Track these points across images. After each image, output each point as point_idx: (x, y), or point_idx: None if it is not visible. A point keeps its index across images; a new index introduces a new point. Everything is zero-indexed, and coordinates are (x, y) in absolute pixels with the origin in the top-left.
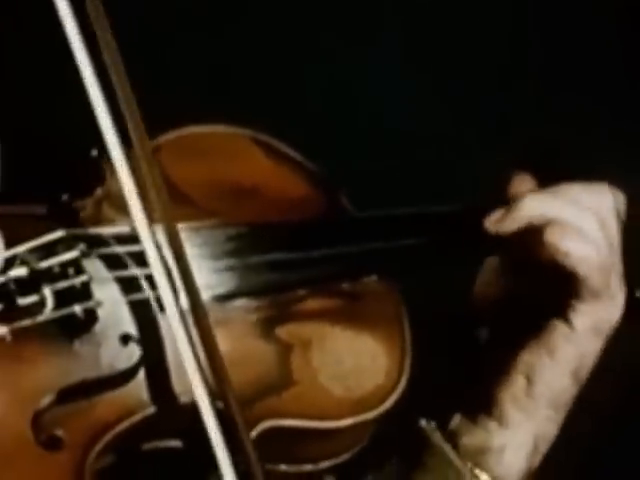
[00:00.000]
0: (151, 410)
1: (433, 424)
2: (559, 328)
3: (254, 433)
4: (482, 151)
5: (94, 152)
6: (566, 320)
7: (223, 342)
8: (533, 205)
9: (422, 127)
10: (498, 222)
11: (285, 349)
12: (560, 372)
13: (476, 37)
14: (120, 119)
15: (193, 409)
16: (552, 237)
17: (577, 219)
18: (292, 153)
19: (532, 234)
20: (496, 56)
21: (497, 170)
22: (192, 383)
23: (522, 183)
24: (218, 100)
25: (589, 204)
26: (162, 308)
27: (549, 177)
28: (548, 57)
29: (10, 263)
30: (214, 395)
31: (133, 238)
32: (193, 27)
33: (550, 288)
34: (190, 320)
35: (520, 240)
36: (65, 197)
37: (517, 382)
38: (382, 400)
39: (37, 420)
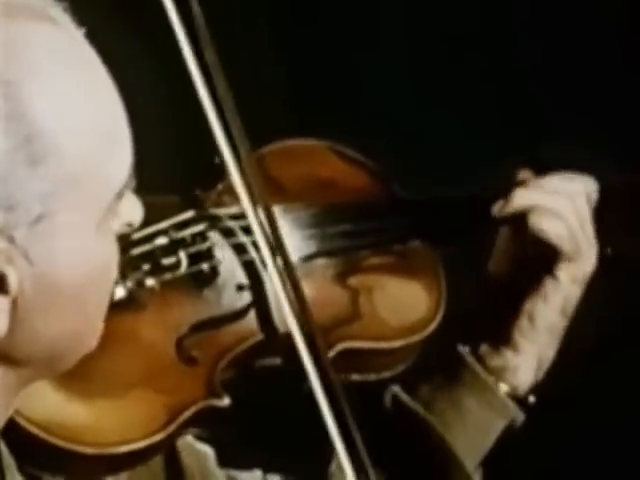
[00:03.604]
0: (259, 337)
1: (467, 349)
2: (548, 282)
3: (334, 351)
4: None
5: (217, 159)
6: (553, 276)
7: (310, 289)
8: (522, 196)
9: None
10: (500, 209)
11: (354, 293)
12: (552, 312)
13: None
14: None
15: (288, 336)
16: (533, 219)
17: (552, 203)
18: (357, 156)
19: (523, 217)
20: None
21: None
22: (287, 318)
23: (524, 174)
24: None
25: (564, 190)
26: (264, 265)
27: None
28: (547, 56)
29: (155, 235)
30: (302, 325)
31: (242, 216)
32: None
33: (540, 254)
34: (284, 273)
35: (516, 220)
36: (197, 190)
37: (523, 321)
38: (424, 327)
39: (179, 344)
